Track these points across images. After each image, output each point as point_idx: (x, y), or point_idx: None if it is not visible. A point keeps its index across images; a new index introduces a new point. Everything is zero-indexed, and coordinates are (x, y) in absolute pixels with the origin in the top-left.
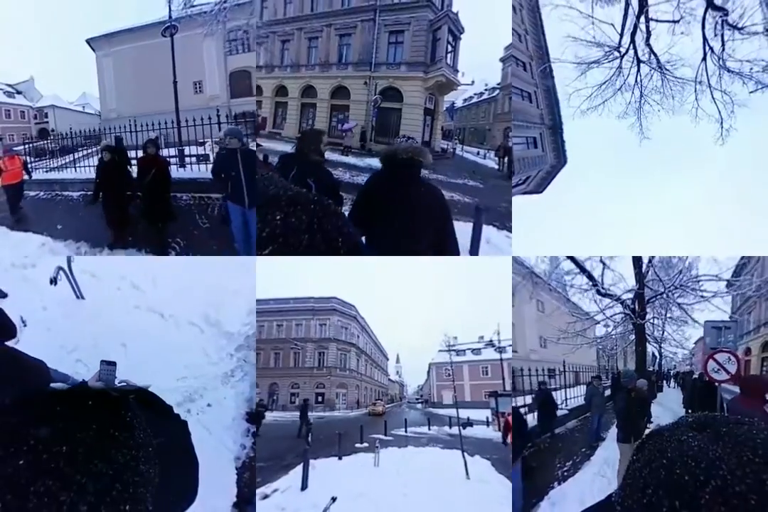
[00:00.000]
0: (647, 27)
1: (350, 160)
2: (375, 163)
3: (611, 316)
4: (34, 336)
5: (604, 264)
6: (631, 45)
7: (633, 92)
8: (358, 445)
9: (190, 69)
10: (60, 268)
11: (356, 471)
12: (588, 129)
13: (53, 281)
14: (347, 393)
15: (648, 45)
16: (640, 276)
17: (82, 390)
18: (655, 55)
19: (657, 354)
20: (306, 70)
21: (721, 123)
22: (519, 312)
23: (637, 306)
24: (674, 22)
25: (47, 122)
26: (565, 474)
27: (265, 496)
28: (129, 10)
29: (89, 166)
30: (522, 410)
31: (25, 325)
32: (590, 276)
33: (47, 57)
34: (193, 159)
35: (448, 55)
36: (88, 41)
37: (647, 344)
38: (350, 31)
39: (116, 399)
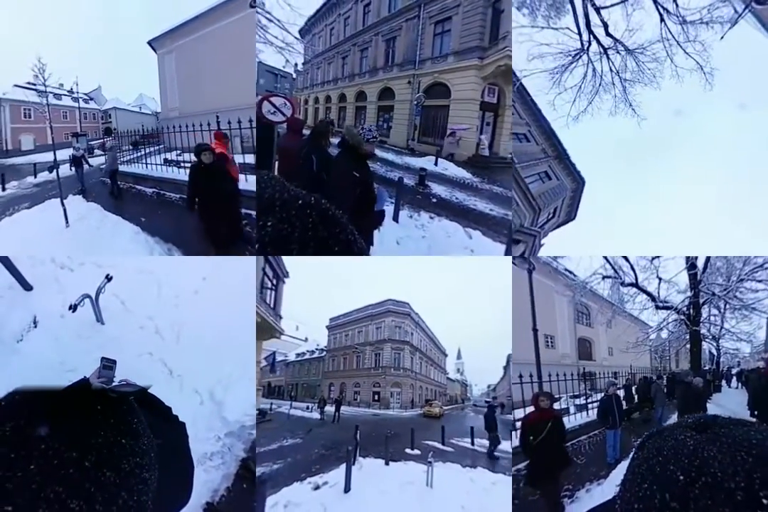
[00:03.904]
0: (601, 19)
1: (389, 156)
2: (413, 162)
3: (667, 324)
4: (39, 340)
5: (660, 279)
6: (591, 36)
7: (614, 82)
8: (408, 451)
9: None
10: (86, 296)
11: (404, 488)
12: (586, 132)
13: (73, 308)
14: (401, 392)
15: (609, 35)
16: (694, 283)
17: (88, 391)
18: (619, 41)
19: (714, 351)
20: (359, 78)
21: (702, 69)
22: (595, 332)
23: (692, 312)
24: (623, 1)
25: (111, 122)
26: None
27: (317, 487)
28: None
29: (154, 164)
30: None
31: (35, 326)
32: (649, 294)
33: (111, 65)
34: None
35: None
36: (150, 42)
37: (703, 342)
38: (395, 33)
39: (122, 403)
